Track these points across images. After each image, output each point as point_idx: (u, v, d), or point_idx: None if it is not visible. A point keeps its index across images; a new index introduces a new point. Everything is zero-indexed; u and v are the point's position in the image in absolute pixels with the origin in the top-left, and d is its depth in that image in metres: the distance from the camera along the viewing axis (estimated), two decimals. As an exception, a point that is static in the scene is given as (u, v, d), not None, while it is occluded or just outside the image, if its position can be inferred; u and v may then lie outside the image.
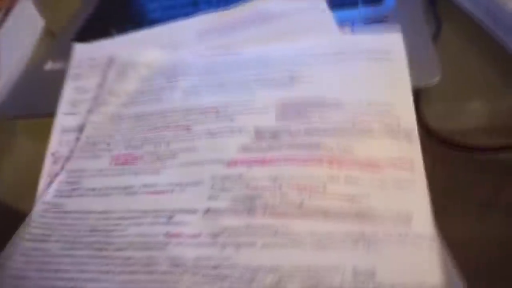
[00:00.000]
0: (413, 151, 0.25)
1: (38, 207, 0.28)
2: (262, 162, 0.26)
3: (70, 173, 0.30)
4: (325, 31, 0.35)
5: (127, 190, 0.28)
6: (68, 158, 0.31)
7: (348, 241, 0.22)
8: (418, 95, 0.29)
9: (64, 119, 0.34)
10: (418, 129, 0.26)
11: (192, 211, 0.25)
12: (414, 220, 0.23)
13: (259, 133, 0.28)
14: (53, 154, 0.32)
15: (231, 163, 0.27)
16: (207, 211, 0.25)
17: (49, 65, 0.42)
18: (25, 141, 0.40)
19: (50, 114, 0.35)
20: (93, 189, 0.28)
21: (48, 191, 0.29)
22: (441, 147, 0.29)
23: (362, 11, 0.38)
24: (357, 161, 0.25)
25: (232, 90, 0.31)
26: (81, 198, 0.28)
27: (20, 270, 0.25)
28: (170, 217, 0.25)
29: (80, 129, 0.33)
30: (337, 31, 0.34)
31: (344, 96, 0.28)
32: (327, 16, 0.36)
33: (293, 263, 0.22)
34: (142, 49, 0.37)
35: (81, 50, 0.39)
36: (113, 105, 0.33)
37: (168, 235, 0.24)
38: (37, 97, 0.39)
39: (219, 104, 0.30)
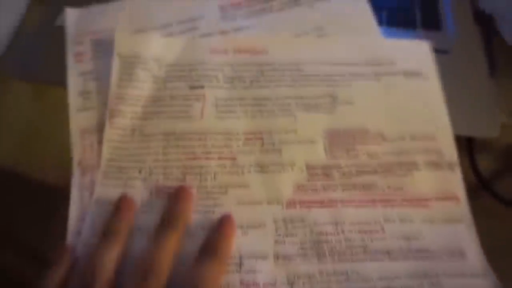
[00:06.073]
0: (456, 183, 0.28)
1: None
2: (321, 204, 0.27)
3: (100, 207, 0.27)
4: (363, 28, 0.34)
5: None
6: (95, 167, 0.28)
7: (414, 283, 0.25)
8: (472, 144, 0.30)
9: (79, 118, 0.30)
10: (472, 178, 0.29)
11: (262, 257, 0.25)
12: (467, 256, 0.26)
13: (311, 170, 0.28)
14: (80, 164, 0.28)
15: (290, 204, 0.27)
16: (277, 257, 0.25)
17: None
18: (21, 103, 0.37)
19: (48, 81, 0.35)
20: (139, 229, 0.26)
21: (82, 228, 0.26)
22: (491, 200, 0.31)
23: (420, 34, 0.37)
24: (407, 198, 0.27)
25: (270, 110, 0.30)
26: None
27: None
28: (240, 264, 0.25)
29: (99, 128, 0.29)
30: (378, 31, 0.34)
31: (386, 128, 0.29)
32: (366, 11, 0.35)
33: None
34: (149, 33, 0.33)
35: (76, 18, 0.34)
36: (128, 117, 0.30)
37: (244, 284, 0.25)
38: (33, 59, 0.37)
39: (262, 130, 0.29)
